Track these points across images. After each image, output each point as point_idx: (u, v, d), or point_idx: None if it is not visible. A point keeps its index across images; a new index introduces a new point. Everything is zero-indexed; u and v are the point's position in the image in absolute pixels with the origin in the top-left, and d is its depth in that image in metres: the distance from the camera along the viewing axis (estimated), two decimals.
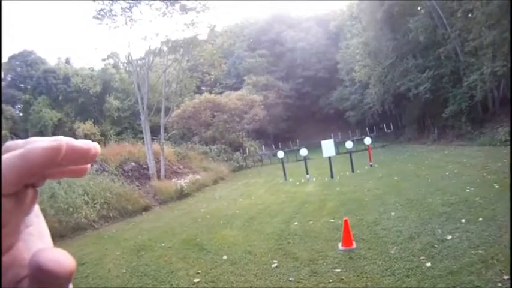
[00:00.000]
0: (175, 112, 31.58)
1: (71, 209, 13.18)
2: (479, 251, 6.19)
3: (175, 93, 26.99)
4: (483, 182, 11.29)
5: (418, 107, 30.55)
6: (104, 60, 24.29)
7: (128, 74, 26.27)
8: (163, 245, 9.93)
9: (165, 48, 24.26)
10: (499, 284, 5.03)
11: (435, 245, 6.82)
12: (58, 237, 11.85)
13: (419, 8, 30.46)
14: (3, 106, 31.66)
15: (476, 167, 14.11)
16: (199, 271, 7.55)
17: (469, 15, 23.97)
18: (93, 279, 8.01)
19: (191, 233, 10.80)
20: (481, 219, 7.74)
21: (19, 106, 38.33)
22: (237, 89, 43.26)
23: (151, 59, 24.08)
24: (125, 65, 24.64)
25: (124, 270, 8.30)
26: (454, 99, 25.12)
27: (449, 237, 7.10)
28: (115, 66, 27.16)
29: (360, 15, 35.26)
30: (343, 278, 6.19)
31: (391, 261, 6.50)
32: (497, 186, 10.23)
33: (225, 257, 8.11)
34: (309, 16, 60.73)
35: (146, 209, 16.32)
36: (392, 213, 9.45)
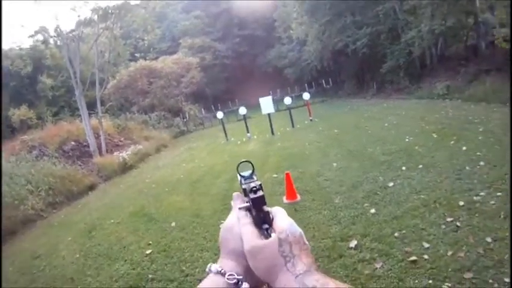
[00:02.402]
0: (110, 83, 30.87)
1: (16, 202, 12.49)
2: (422, 196, 6.44)
3: (109, 63, 26.10)
4: (422, 132, 11.70)
5: (357, 62, 31.07)
6: (31, 36, 22.83)
7: (59, 48, 24.91)
8: (112, 221, 9.72)
9: (95, 17, 23.15)
10: (443, 226, 5.25)
11: (378, 192, 7.06)
12: (9, 234, 11.31)
13: None
14: None
15: (414, 118, 14.59)
16: (150, 242, 7.46)
17: None
18: (50, 271, 7.74)
19: (138, 205, 10.63)
20: (421, 166, 8.04)
21: None
22: (172, 53, 42.13)
23: (82, 30, 23.09)
24: (55, 39, 23.37)
25: (78, 255, 8.07)
26: (392, 55, 25.67)
27: (391, 184, 7.35)
28: (45, 41, 25.65)
29: None
30: None
31: (336, 210, 6.68)
32: (435, 136, 10.61)
33: (173, 224, 8.06)
34: None
35: (92, 187, 15.77)
36: (334, 164, 9.68)
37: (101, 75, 24.42)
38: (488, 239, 4.68)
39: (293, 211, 6.99)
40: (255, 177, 0.97)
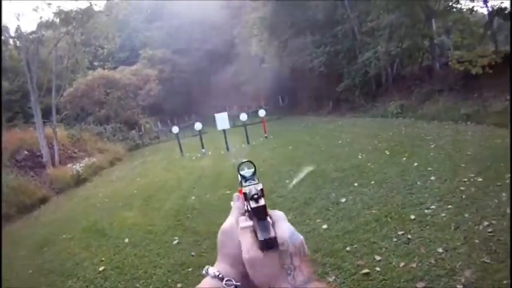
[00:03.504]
0: (67, 91, 29.96)
1: None
2: (373, 211, 6.57)
3: (67, 69, 25.44)
4: (375, 149, 11.97)
5: (314, 80, 31.55)
6: None
7: (18, 50, 24.09)
8: (64, 236, 9.43)
9: (57, 20, 22.53)
10: (395, 239, 5.37)
11: (330, 208, 7.13)
12: None
13: None
14: None
15: (368, 136, 14.92)
16: (103, 258, 7.28)
17: None
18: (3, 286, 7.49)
19: (91, 220, 10.36)
20: (373, 182, 8.20)
21: None
22: (131, 63, 41.76)
23: (42, 32, 22.51)
24: (15, 40, 22.63)
25: (31, 271, 7.79)
26: (349, 74, 26.23)
27: (343, 200, 7.44)
28: (4, 42, 24.73)
29: None
30: None
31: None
32: (388, 153, 10.89)
33: (126, 240, 7.90)
34: None
35: (44, 200, 15.11)
36: (287, 181, 9.74)
37: (58, 82, 23.67)
38: (440, 250, 4.83)
39: None
40: (256, 179, 0.98)
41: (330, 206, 7.27)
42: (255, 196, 0.83)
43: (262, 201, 0.82)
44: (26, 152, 18.68)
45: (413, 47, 22.33)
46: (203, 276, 0.85)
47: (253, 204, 0.82)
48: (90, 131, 27.61)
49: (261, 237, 0.78)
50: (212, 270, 0.83)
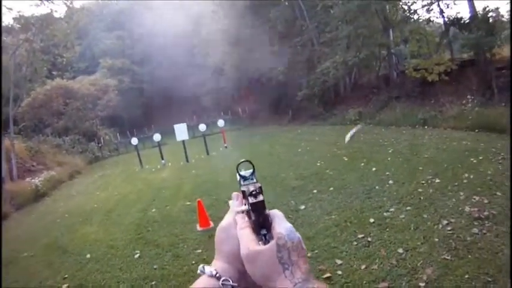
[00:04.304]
0: (25, 101, 29.16)
1: None
2: (333, 216, 6.72)
3: (26, 78, 24.76)
4: (333, 156, 12.25)
5: (273, 91, 31.96)
6: None
7: None
8: (26, 254, 9.21)
9: (17, 26, 22.01)
10: (355, 243, 5.54)
11: (290, 215, 7.19)
12: None
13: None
14: None
15: (327, 143, 15.24)
16: (66, 275, 7.16)
17: (330, 10, 25.68)
18: None
19: (52, 236, 10.15)
20: (332, 188, 8.41)
21: None
22: (91, 73, 40.81)
23: (2, 37, 21.69)
24: None
25: None
26: (308, 84, 26.61)
27: (303, 207, 7.59)
28: None
29: (222, 3, 35.37)
30: (204, 257, 6.31)
31: None
32: (346, 159, 11.16)
33: (88, 256, 7.80)
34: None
35: (4, 217, 14.72)
36: None
37: (17, 91, 23.02)
38: (400, 250, 5.03)
39: (207, 238, 7.05)
40: (254, 178, 0.99)
41: (290, 213, 7.36)
42: (254, 192, 0.87)
43: (261, 197, 0.86)
44: None
45: (370, 56, 22.95)
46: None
47: (251, 200, 0.86)
48: (49, 143, 26.93)
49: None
50: (208, 268, 0.84)
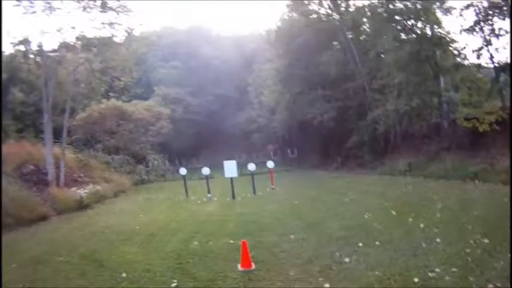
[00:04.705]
0: (80, 115, 30.56)
1: None
2: (376, 273, 6.42)
3: (83, 94, 25.94)
4: (381, 208, 11.89)
5: (323, 135, 31.93)
6: (14, 45, 22.32)
7: (36, 65, 24.55)
8: (61, 259, 9.32)
9: (78, 45, 23.04)
10: None
11: (333, 267, 6.95)
12: None
13: (335, 43, 32.07)
14: None
15: (375, 194, 14.94)
16: None
17: (381, 55, 25.74)
18: None
19: (90, 248, 10.24)
20: (377, 243, 8.08)
21: None
22: (145, 98, 42.19)
23: (64, 53, 22.92)
24: (35, 55, 23.06)
25: (21, 286, 7.72)
26: (358, 131, 26.60)
27: (347, 259, 7.27)
28: (25, 54, 25.05)
29: (276, 43, 35.91)
30: None
31: (289, 282, 6.54)
32: (394, 213, 10.82)
33: (124, 275, 7.77)
34: (228, 35, 61.24)
35: (43, 218, 15.17)
36: (292, 236, 9.51)
37: (73, 105, 24.32)
38: None
39: (247, 279, 6.89)
40: None
41: (334, 265, 7.12)
42: None
43: None
44: (32, 167, 18.92)
45: (422, 104, 22.58)
46: None
47: None
48: (98, 159, 27.84)
49: None
50: None
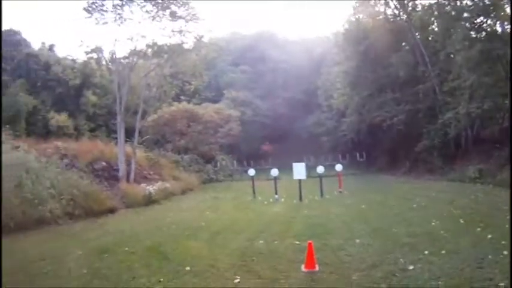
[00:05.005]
0: (151, 117, 31.73)
1: (36, 201, 12.82)
2: (440, 283, 6.25)
3: (154, 98, 26.99)
4: (449, 216, 11.51)
5: (392, 138, 31.18)
6: (87, 53, 23.79)
7: (109, 71, 25.95)
8: (126, 249, 9.72)
9: (149, 52, 24.07)
10: None
11: (397, 274, 6.82)
12: (20, 228, 11.59)
13: (403, 44, 31.28)
14: None
15: (443, 201, 14.42)
16: (161, 279, 7.41)
17: (451, 56, 24.80)
18: (53, 278, 7.77)
19: (155, 241, 10.59)
20: (444, 251, 7.82)
21: None
22: (215, 101, 43.19)
23: (135, 60, 24.05)
24: (108, 62, 24.36)
25: (85, 271, 8.08)
26: (428, 135, 25.65)
27: (411, 267, 7.10)
28: (98, 61, 26.64)
29: (344, 45, 35.55)
30: None
31: (352, 287, 6.50)
32: (462, 221, 10.43)
33: (188, 268, 7.98)
34: (295, 39, 61.64)
35: (112, 211, 16.05)
36: (357, 240, 9.41)
37: (144, 107, 25.34)
38: None
39: (310, 281, 6.89)
40: None
41: (397, 271, 6.97)
42: None
43: None
44: (103, 163, 20.02)
45: (494, 107, 21.46)
46: None
47: None
48: (168, 158, 28.71)
49: None
50: None
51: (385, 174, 30.22)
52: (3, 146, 14.59)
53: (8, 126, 18.01)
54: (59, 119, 32.24)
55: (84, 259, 9.00)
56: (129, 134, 23.84)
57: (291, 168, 19.10)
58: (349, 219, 12.73)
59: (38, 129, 30.24)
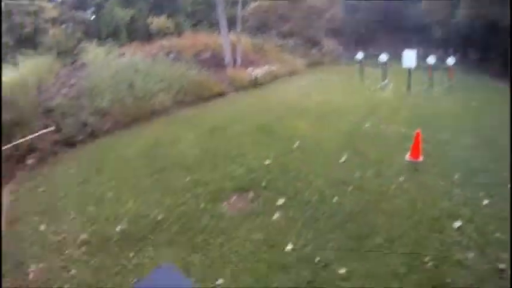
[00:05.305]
0: (251, 5, 31.50)
1: (147, 97, 13.64)
2: None
3: None
4: None
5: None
6: None
7: None
8: (236, 128, 10.13)
9: None
10: None
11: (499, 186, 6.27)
12: (136, 121, 12.46)
13: None
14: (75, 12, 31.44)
15: None
16: (270, 155, 7.73)
17: None
18: (170, 157, 8.51)
19: (264, 120, 10.96)
20: None
21: (91, 9, 37.36)
22: None
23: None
24: None
25: (198, 150, 8.61)
26: None
27: None
28: None
29: None
30: (404, 187, 6.26)
31: (452, 186, 6.35)
32: None
33: (296, 145, 8.20)
34: None
35: (221, 94, 16.60)
36: (467, 140, 8.95)
37: None
38: None
39: (413, 170, 6.90)
40: None
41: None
42: None
43: None
44: (208, 54, 20.42)
45: None
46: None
47: None
48: (272, 43, 28.34)
49: None
50: None
51: (501, 80, 27.85)
52: (110, 56, 15.85)
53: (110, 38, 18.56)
54: (159, 21, 32.61)
55: (196, 140, 9.58)
56: (230, 24, 23.70)
57: (399, 57, 18.16)
58: (460, 114, 12.13)
59: (139, 36, 30.83)
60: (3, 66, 14.22)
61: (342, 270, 4.34)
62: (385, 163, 7.23)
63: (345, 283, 4.17)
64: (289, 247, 4.93)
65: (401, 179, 6.57)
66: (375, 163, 7.21)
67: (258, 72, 19.54)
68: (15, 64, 14.86)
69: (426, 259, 4.41)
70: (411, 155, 7.37)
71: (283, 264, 4.60)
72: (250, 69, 19.91)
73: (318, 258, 4.61)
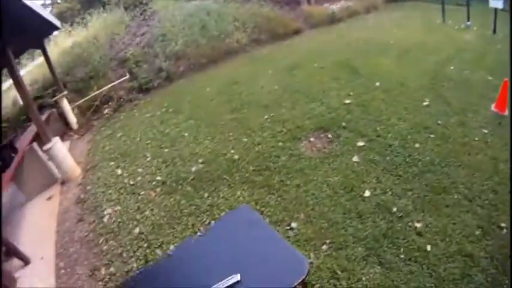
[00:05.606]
0: None
1: (222, 36, 13.57)
2: None
3: None
4: None
5: None
6: None
7: None
8: (315, 65, 9.86)
9: None
10: None
11: None
12: (211, 62, 12.45)
13: None
14: None
15: None
16: (351, 93, 7.51)
17: None
18: (247, 96, 8.47)
19: (343, 56, 10.55)
20: None
21: None
22: None
23: None
24: None
25: (276, 87, 8.47)
26: None
27: None
28: None
29: None
30: (488, 140, 5.70)
31: None
32: None
33: (377, 84, 7.86)
34: None
35: (297, 32, 16.11)
36: None
37: None
38: None
39: (497, 123, 6.22)
40: None
41: None
42: None
43: None
44: None
45: None
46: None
47: None
48: None
49: None
50: None
51: None
52: (179, 1, 16.06)
53: None
54: None
55: (274, 77, 9.42)
56: None
57: None
58: None
59: None
60: (74, 28, 15.20)
61: (418, 224, 4.16)
62: (469, 113, 6.62)
63: (420, 239, 3.99)
64: (367, 193, 4.76)
65: (484, 131, 5.99)
66: (459, 111, 6.66)
67: (334, 7, 18.80)
68: (84, 24, 15.36)
69: (503, 224, 4.07)
70: (497, 106, 6.70)
71: (359, 211, 4.48)
72: (326, 5, 19.19)
73: (395, 208, 4.44)
